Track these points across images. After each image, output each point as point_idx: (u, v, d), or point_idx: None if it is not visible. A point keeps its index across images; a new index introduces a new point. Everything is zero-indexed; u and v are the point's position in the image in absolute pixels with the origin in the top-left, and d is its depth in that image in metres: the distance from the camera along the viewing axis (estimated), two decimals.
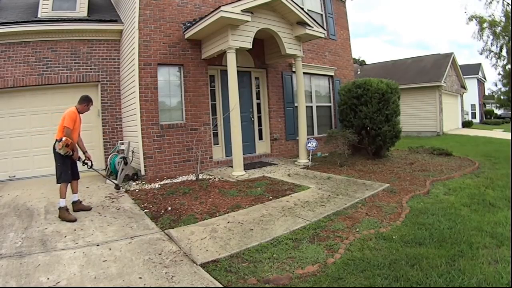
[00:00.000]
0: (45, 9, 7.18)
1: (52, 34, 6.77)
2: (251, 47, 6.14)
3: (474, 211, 3.94)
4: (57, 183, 4.09)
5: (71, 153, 4.07)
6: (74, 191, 4.29)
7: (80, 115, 4.32)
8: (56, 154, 4.08)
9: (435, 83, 15.64)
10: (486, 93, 34.55)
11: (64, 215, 3.93)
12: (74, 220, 3.89)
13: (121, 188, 5.34)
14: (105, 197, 5.00)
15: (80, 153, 4.36)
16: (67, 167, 4.09)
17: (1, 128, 6.63)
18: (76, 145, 4.24)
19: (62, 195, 3.98)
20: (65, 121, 4.06)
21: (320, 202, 4.36)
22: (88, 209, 4.33)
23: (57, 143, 4.01)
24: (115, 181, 5.45)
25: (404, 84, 15.04)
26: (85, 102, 4.33)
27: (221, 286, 2.41)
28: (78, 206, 4.28)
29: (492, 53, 18.42)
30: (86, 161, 4.39)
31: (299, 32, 6.86)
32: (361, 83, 7.64)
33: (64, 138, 3.97)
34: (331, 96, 9.76)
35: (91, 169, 4.51)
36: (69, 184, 4.15)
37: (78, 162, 4.30)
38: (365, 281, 2.41)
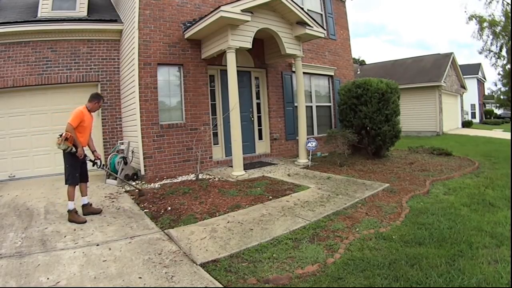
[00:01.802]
0: (44, 9, 7.18)
1: (52, 34, 6.77)
2: (251, 47, 6.14)
3: (474, 211, 3.94)
4: (65, 184, 4.01)
5: (74, 150, 3.88)
6: (83, 194, 4.17)
7: (92, 113, 4.22)
8: (65, 154, 3.96)
9: (435, 83, 15.65)
10: (486, 93, 34.58)
11: (73, 218, 3.84)
12: (84, 222, 3.82)
13: (123, 187, 5.17)
14: (105, 197, 5.00)
15: (89, 153, 4.26)
16: (75, 169, 3.96)
17: (1, 128, 6.63)
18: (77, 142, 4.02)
19: (70, 198, 3.90)
20: (70, 118, 3.95)
21: (320, 202, 4.36)
22: (98, 211, 4.20)
23: (57, 138, 3.87)
24: (137, 187, 5.14)
25: (404, 84, 15.04)
26: (96, 99, 4.23)
27: (221, 286, 2.41)
28: (88, 209, 4.15)
29: (492, 53, 18.43)
30: (95, 160, 4.28)
31: (299, 32, 6.85)
32: (361, 83, 7.65)
33: (64, 133, 3.82)
34: (331, 96, 9.76)
35: (100, 168, 4.43)
36: (78, 187, 4.04)
37: (88, 162, 4.17)
38: (365, 281, 2.41)
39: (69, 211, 3.89)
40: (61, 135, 3.84)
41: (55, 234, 3.46)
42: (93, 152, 4.31)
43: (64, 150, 3.89)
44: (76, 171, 3.97)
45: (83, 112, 4.06)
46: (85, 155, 4.07)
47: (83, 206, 4.15)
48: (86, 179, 4.24)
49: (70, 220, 3.84)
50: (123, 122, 7.26)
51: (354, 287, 2.37)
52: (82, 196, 4.16)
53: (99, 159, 4.33)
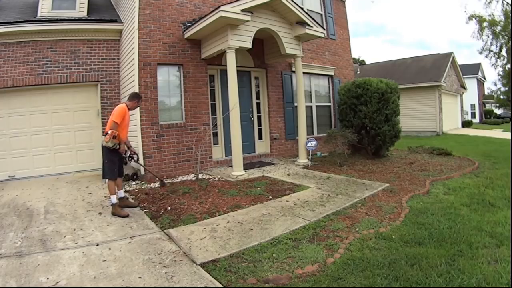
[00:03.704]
0: (44, 9, 7.17)
1: (52, 33, 6.75)
2: (250, 47, 6.14)
3: (473, 210, 3.94)
4: (103, 178, 4.35)
5: (118, 146, 4.12)
6: (119, 188, 4.38)
7: (130, 112, 4.39)
8: (104, 150, 4.16)
9: (435, 83, 15.65)
10: (486, 93, 34.61)
11: (117, 211, 4.07)
12: (127, 216, 4.01)
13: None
14: (105, 196, 5.00)
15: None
16: (114, 164, 4.18)
17: (1, 128, 6.62)
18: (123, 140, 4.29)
19: (111, 192, 4.14)
20: (113, 116, 4.12)
21: (320, 201, 4.36)
22: (134, 205, 4.43)
23: (103, 136, 4.09)
24: (159, 177, 5.40)
25: (404, 84, 15.04)
26: (136, 99, 4.42)
27: (221, 286, 2.41)
28: (124, 202, 4.39)
29: (491, 53, 18.49)
30: (132, 155, 4.50)
31: (299, 32, 6.85)
32: (360, 82, 7.64)
33: (110, 131, 4.02)
34: (331, 95, 9.76)
35: (135, 162, 4.71)
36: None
37: (125, 155, 4.39)
38: (365, 281, 2.41)
39: (112, 204, 4.14)
40: (106, 133, 4.06)
41: (55, 234, 3.46)
42: (128, 148, 4.51)
43: (111, 147, 4.08)
44: (114, 166, 4.21)
45: (125, 110, 4.26)
46: (125, 151, 4.35)
47: (120, 199, 4.37)
48: (122, 174, 4.48)
49: (113, 214, 4.07)
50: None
51: (354, 287, 2.37)
52: (118, 189, 4.35)
53: (136, 154, 4.61)
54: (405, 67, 18.16)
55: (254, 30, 6.13)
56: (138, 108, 5.93)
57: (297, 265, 2.72)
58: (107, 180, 5.01)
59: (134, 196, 4.94)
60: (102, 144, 4.13)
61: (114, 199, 4.12)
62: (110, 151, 4.12)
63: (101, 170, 5.41)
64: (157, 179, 5.99)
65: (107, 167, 4.18)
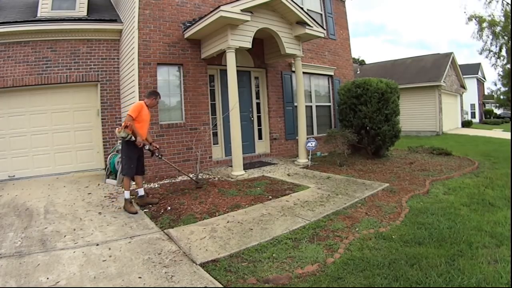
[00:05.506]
0: (44, 9, 7.17)
1: (52, 33, 6.75)
2: (250, 46, 6.14)
3: (473, 210, 3.94)
4: (121, 174, 4.43)
5: (133, 138, 4.14)
6: (139, 186, 4.48)
7: (149, 109, 4.50)
8: (122, 145, 4.26)
9: (435, 83, 15.65)
10: (486, 93, 34.60)
11: (127, 207, 4.18)
12: (136, 213, 4.10)
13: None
14: (105, 196, 5.00)
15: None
16: (131, 161, 4.24)
17: (1, 128, 6.62)
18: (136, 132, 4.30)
19: (126, 187, 4.24)
20: (129, 110, 4.23)
21: (320, 201, 4.36)
22: (155, 202, 4.47)
23: (116, 129, 4.15)
24: (193, 178, 5.43)
25: (404, 84, 15.04)
26: (153, 96, 4.53)
27: (221, 285, 2.41)
28: (144, 200, 4.46)
29: (491, 53, 18.46)
30: (154, 150, 4.55)
31: (299, 32, 6.85)
32: (360, 82, 7.64)
33: (123, 123, 4.11)
34: (331, 95, 9.76)
35: (158, 158, 4.75)
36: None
37: (146, 151, 4.44)
38: (365, 281, 2.41)
39: (125, 199, 4.25)
40: (120, 125, 4.15)
41: (55, 234, 3.46)
42: (150, 144, 4.56)
43: (123, 138, 4.14)
44: (132, 162, 4.25)
45: (142, 106, 4.35)
46: (144, 145, 4.34)
47: (140, 197, 4.47)
48: (142, 172, 4.53)
49: (124, 209, 4.19)
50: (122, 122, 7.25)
51: (354, 287, 2.37)
52: (137, 188, 4.49)
53: (157, 148, 4.65)
54: (405, 67, 18.16)
55: (254, 30, 6.13)
56: None
57: (297, 265, 2.72)
58: (106, 180, 5.05)
59: (133, 196, 4.93)
60: (118, 139, 4.24)
61: (127, 194, 4.21)
62: (129, 146, 4.17)
63: (101, 170, 5.45)
64: (156, 178, 5.99)
65: (124, 163, 4.29)
